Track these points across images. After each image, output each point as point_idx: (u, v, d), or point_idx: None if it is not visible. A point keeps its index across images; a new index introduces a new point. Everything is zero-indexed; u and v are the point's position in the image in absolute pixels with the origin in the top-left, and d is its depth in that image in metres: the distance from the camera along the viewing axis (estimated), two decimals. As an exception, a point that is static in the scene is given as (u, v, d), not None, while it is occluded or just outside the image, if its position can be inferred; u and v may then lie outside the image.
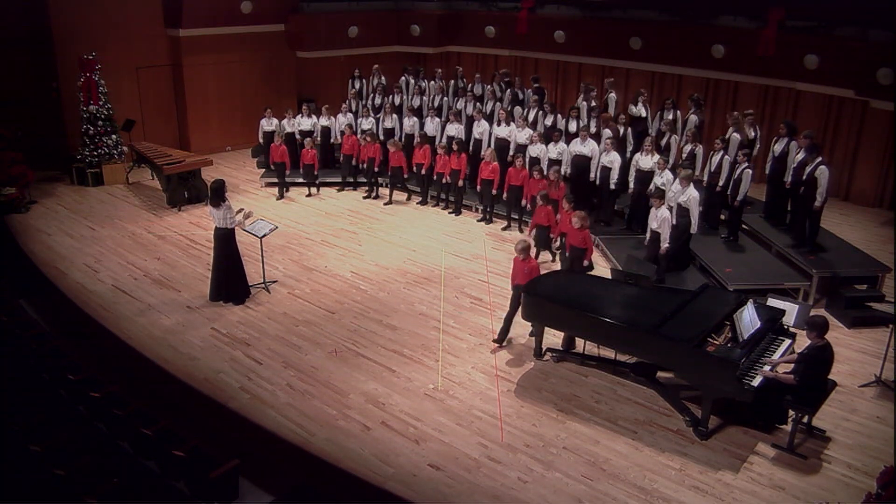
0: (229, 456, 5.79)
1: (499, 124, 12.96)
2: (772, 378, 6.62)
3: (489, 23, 17.42)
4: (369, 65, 15.97)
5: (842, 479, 6.38)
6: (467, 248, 11.45)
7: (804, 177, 10.18)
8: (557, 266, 10.39)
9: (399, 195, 13.53)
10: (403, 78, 15.80)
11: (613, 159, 11.35)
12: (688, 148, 11.48)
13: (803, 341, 6.76)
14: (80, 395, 6.74)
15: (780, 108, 14.16)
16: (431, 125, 13.82)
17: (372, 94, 15.35)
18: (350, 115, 14.21)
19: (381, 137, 13.88)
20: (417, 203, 13.38)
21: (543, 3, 16.69)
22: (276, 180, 13.73)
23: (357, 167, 13.67)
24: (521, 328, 8.63)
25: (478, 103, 14.06)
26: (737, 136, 11.42)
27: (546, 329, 8.18)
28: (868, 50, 12.10)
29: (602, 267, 10.58)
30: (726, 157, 10.83)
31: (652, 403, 7.44)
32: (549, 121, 13.01)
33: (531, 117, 13.15)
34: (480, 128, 13.17)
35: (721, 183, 10.81)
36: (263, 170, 14.72)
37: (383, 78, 15.62)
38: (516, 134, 12.58)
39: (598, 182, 11.65)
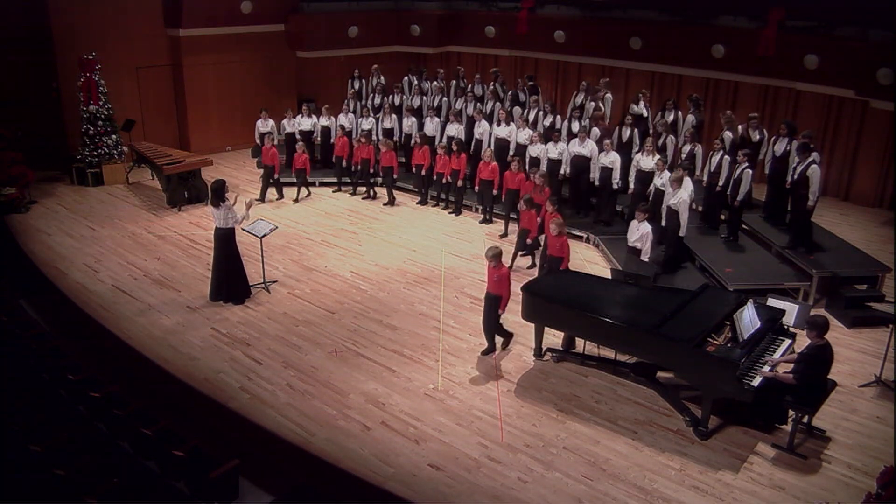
0: (229, 456, 5.79)
1: (499, 124, 12.96)
2: (772, 378, 6.62)
3: (489, 23, 17.42)
4: (369, 65, 15.97)
5: (842, 479, 6.38)
6: (467, 248, 11.45)
7: (795, 176, 10.19)
8: (535, 273, 10.15)
9: (397, 194, 13.51)
10: (406, 78, 15.80)
11: (614, 160, 11.38)
12: (687, 148, 11.49)
13: (803, 341, 6.76)
14: (80, 395, 6.74)
15: (780, 108, 14.16)
16: (431, 125, 13.83)
17: (371, 94, 15.35)
18: (352, 116, 14.22)
19: (380, 137, 13.87)
20: (417, 203, 13.38)
21: (543, 3, 16.69)
22: (291, 181, 13.55)
23: (349, 169, 13.61)
24: (522, 328, 8.64)
25: (478, 104, 14.06)
26: (729, 133, 11.46)
27: (546, 329, 8.18)
28: (868, 50, 12.10)
29: (602, 267, 10.59)
30: (726, 157, 10.83)
31: (652, 403, 7.44)
32: (548, 121, 13.01)
33: (531, 117, 13.15)
34: (481, 128, 13.17)
35: (721, 183, 10.82)
36: (263, 170, 14.68)
37: (382, 78, 15.62)
38: (516, 134, 12.59)
39: (597, 183, 11.66)
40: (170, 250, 11.20)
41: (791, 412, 6.68)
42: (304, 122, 14.29)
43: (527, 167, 11.81)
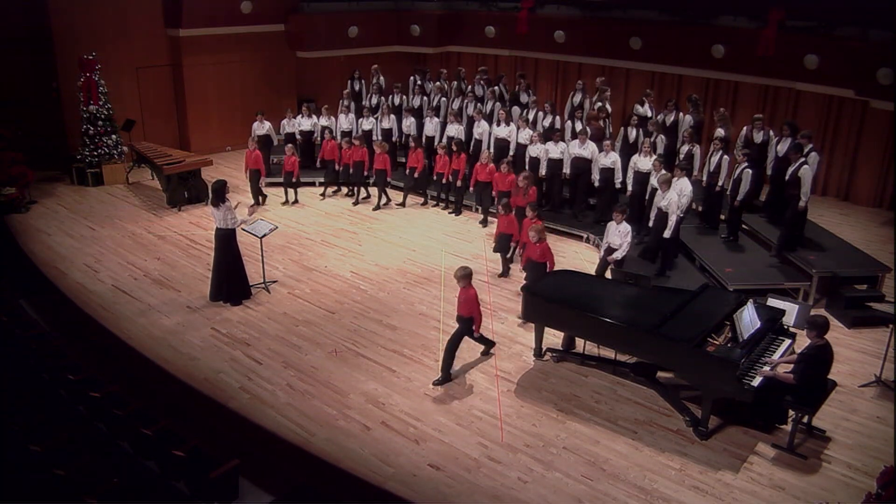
0: (229, 456, 5.78)
1: (498, 124, 12.95)
2: (772, 378, 6.62)
3: (489, 23, 17.41)
4: (369, 65, 15.96)
5: (842, 479, 6.38)
6: (467, 248, 11.45)
7: (787, 177, 10.19)
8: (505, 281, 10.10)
9: (394, 194, 13.46)
10: (412, 78, 15.77)
11: (615, 160, 11.39)
12: (685, 148, 11.48)
13: (803, 341, 6.76)
14: (80, 395, 6.73)
15: (780, 109, 14.15)
16: (431, 125, 13.82)
17: (371, 95, 15.33)
18: (352, 116, 14.19)
19: (379, 138, 13.84)
20: (397, 204, 13.29)
21: (543, 3, 16.68)
22: (279, 181, 13.44)
23: (337, 172, 13.45)
24: (521, 328, 8.64)
25: (478, 104, 14.05)
26: (721, 130, 11.50)
27: (546, 329, 8.18)
28: (868, 50, 12.09)
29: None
30: (725, 157, 10.83)
31: (652, 403, 7.44)
32: (547, 121, 13.01)
33: (531, 117, 13.14)
34: (480, 128, 13.16)
35: (720, 182, 10.81)
36: (249, 173, 14.59)
37: (382, 78, 15.62)
38: (516, 134, 12.58)
39: (599, 184, 11.67)
40: (170, 250, 11.20)
41: (791, 412, 6.68)
42: (304, 123, 14.28)
43: (527, 167, 11.80)
